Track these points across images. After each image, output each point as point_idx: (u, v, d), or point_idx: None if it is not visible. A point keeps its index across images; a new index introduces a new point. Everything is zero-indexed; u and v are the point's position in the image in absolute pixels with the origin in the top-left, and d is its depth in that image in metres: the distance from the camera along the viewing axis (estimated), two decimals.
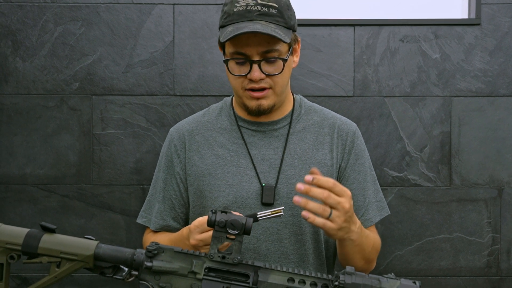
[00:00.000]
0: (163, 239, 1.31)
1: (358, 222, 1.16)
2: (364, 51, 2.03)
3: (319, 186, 1.04)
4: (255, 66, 1.21)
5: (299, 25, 2.01)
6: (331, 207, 1.05)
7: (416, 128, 2.04)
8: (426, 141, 2.04)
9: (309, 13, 2.04)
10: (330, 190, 1.04)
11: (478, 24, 2.02)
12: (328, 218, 1.05)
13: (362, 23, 2.02)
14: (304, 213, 1.04)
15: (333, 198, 1.04)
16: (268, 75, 1.23)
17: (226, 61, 1.25)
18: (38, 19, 2.01)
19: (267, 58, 1.21)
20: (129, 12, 2.02)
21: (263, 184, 1.27)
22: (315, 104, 1.42)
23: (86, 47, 2.02)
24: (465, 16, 2.07)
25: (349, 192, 1.07)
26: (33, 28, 2.01)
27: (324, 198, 1.04)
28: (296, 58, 1.31)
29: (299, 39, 1.30)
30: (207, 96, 2.02)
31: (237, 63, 1.24)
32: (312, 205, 1.04)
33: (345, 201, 1.06)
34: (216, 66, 2.02)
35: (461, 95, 2.04)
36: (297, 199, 1.04)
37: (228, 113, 1.37)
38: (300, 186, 1.04)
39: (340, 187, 1.06)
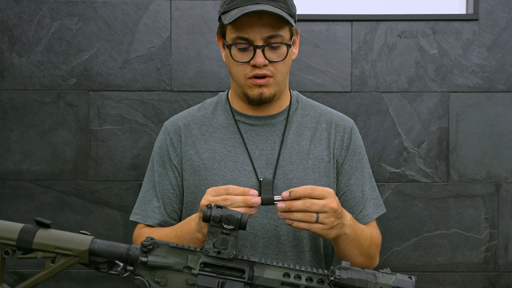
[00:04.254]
0: (163, 233, 1.24)
1: (349, 215, 1.16)
2: (362, 46, 2.03)
3: (299, 197, 1.05)
4: (259, 52, 1.20)
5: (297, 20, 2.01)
6: (318, 212, 1.06)
7: (414, 124, 2.04)
8: (423, 137, 2.04)
9: (306, 8, 2.04)
10: (310, 197, 1.05)
11: (476, 20, 2.01)
12: (316, 222, 1.06)
13: (359, 19, 2.01)
14: (287, 220, 1.07)
15: (317, 204, 1.05)
16: (271, 62, 1.22)
17: (229, 46, 1.23)
18: (35, 14, 2.00)
19: (270, 43, 1.21)
20: (126, 7, 2.01)
21: (261, 179, 1.26)
22: (311, 100, 1.41)
23: (83, 43, 2.01)
24: (463, 11, 2.06)
25: (331, 191, 1.08)
26: (30, 23, 2.00)
27: (307, 208, 1.05)
28: (295, 50, 1.31)
29: (298, 31, 1.30)
30: (204, 91, 2.02)
31: (240, 49, 1.23)
32: (296, 215, 1.06)
33: (330, 201, 1.06)
34: (213, 61, 2.02)
35: (458, 90, 2.03)
36: (279, 212, 1.07)
37: (224, 108, 1.36)
38: (281, 205, 1.06)
39: (319, 189, 1.06)
